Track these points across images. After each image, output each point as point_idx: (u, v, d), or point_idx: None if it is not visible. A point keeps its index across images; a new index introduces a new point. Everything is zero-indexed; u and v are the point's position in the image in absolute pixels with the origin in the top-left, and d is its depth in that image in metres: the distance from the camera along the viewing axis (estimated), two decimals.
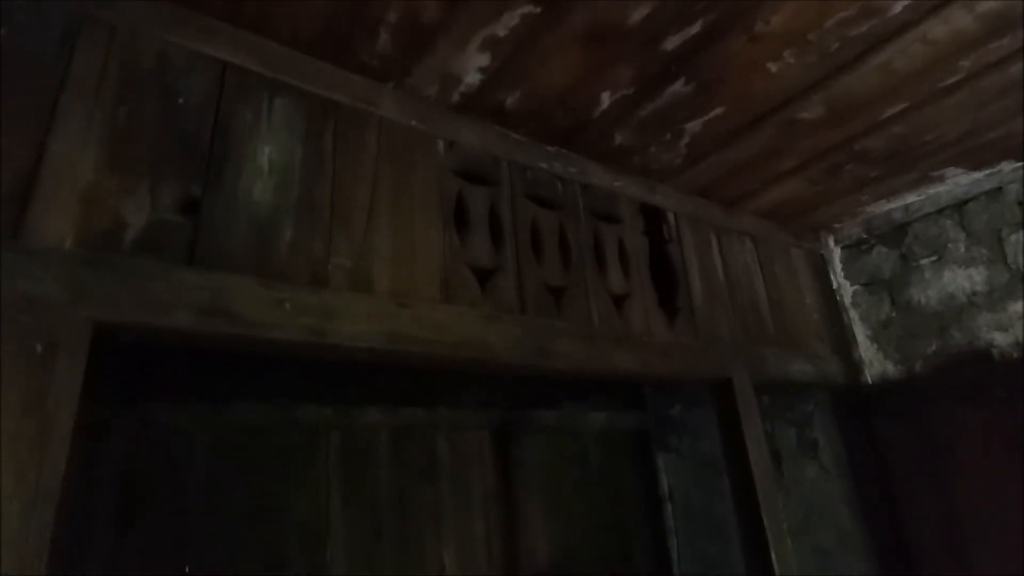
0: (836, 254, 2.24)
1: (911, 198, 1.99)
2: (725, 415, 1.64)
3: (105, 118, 0.87)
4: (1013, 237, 1.83)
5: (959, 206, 1.95)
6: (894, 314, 2.08)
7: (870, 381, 2.09)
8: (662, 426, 2.81)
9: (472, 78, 1.23)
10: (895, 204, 2.03)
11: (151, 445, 1.66)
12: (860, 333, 2.15)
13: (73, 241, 0.78)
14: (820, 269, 2.18)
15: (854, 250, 2.20)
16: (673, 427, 2.77)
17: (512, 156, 1.38)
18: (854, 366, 2.08)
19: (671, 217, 1.71)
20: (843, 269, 2.22)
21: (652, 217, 1.67)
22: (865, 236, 2.16)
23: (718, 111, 1.40)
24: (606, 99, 1.32)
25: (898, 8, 1.15)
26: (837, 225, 2.18)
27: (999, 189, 1.87)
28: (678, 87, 1.30)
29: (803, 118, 1.45)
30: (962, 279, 1.93)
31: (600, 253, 1.48)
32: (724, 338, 1.67)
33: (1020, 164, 1.80)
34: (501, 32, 1.11)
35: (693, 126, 1.45)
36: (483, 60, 1.18)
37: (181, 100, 0.95)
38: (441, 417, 2.27)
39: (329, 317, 0.95)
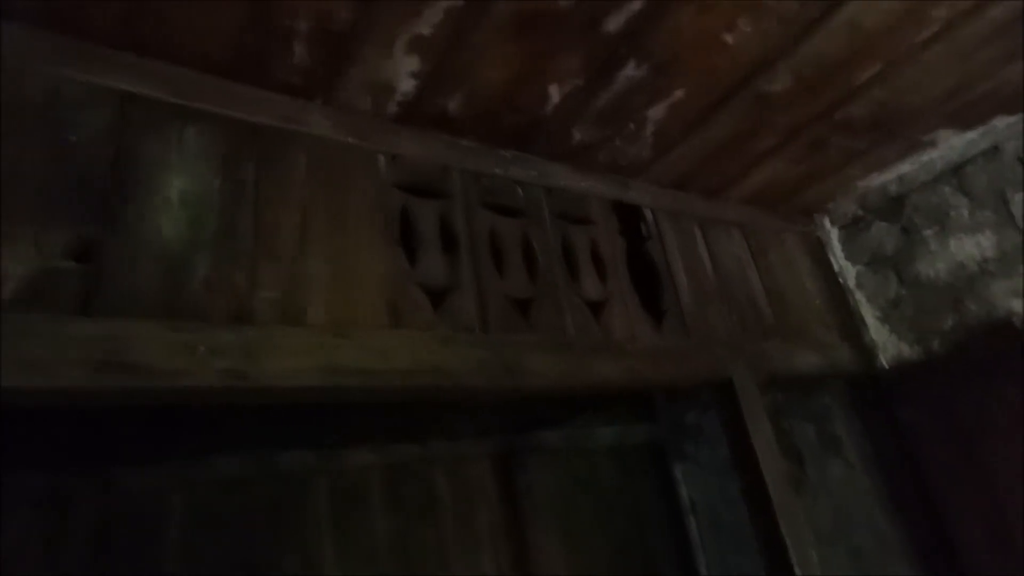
0: (834, 235, 2.11)
1: (904, 168, 1.88)
2: (729, 418, 1.52)
3: None
4: (1018, 196, 1.70)
5: (956, 170, 1.83)
6: (903, 292, 1.94)
7: (886, 366, 1.95)
8: (677, 436, 2.68)
9: (406, 85, 1.14)
10: (888, 176, 1.91)
11: (120, 511, 1.56)
12: (869, 316, 2.01)
13: None
14: (818, 252, 2.06)
15: (852, 229, 2.08)
16: (689, 435, 2.63)
17: (463, 164, 1.29)
18: (866, 351, 1.94)
19: (648, 214, 1.60)
20: (843, 250, 2.10)
21: (628, 216, 1.57)
22: (862, 213, 2.04)
23: (679, 94, 1.30)
24: (555, 93, 1.23)
25: None
26: (831, 204, 2.06)
27: (996, 148, 1.74)
28: (630, 71, 1.20)
29: (772, 91, 1.35)
30: (970, 247, 1.80)
31: (571, 259, 1.37)
32: (719, 336, 1.55)
33: (1015, 118, 1.68)
34: (426, 31, 1.03)
35: (655, 112, 1.35)
36: (413, 64, 1.10)
37: (73, 137, 0.87)
38: (437, 450, 2.15)
39: (252, 356, 0.85)
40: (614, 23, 1.09)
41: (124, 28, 0.93)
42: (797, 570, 1.37)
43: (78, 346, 0.74)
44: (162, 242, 0.88)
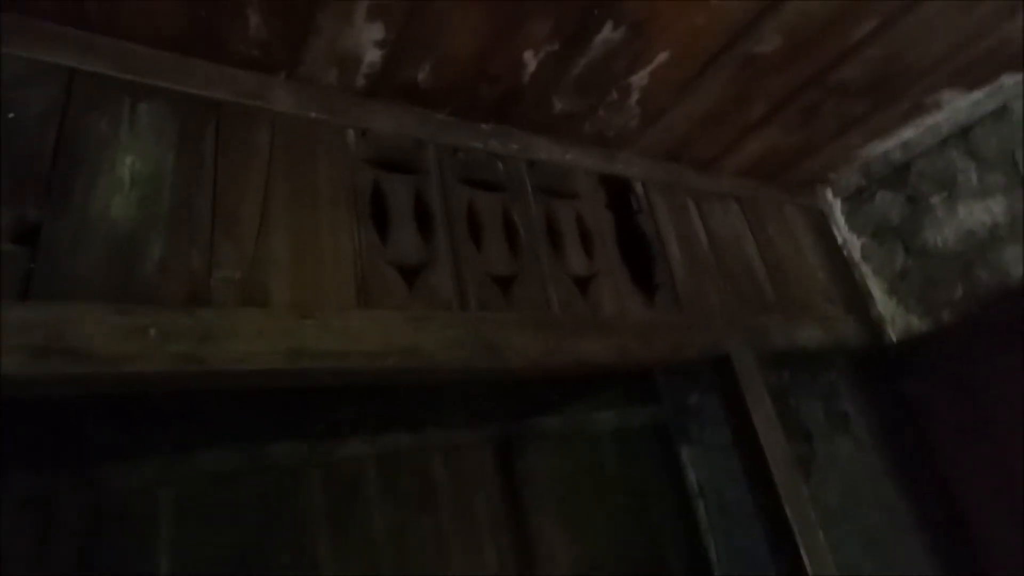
0: (837, 207, 2.04)
1: (908, 133, 1.80)
2: (728, 396, 1.46)
3: None
4: None
5: (963, 133, 1.75)
6: (910, 262, 1.87)
7: (894, 339, 1.88)
8: (681, 417, 2.63)
9: (372, 56, 1.09)
10: (891, 143, 1.84)
11: (108, 508, 1.53)
12: (875, 288, 1.94)
13: None
14: (821, 225, 1.99)
15: (855, 199, 2.00)
16: (693, 417, 2.58)
17: (439, 139, 1.24)
18: (873, 325, 1.88)
19: (639, 187, 1.55)
20: (846, 222, 2.03)
21: (616, 189, 1.51)
22: (865, 183, 1.97)
23: (662, 57, 1.24)
24: (531, 60, 1.18)
25: None
26: (832, 175, 1.98)
27: (1004, 107, 1.66)
28: (607, 34, 1.14)
29: (761, 52, 1.29)
30: (979, 212, 1.72)
31: (555, 233, 1.32)
32: (716, 311, 1.49)
33: (1023, 75, 1.60)
34: None
35: (639, 79, 1.29)
36: (377, 32, 1.05)
37: (12, 115, 0.83)
38: (433, 438, 2.12)
39: (208, 340, 0.81)
40: None
41: (68, 2, 0.88)
42: (803, 551, 1.32)
43: (16, 332, 0.70)
44: (111, 222, 0.84)
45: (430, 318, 1.02)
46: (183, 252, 0.87)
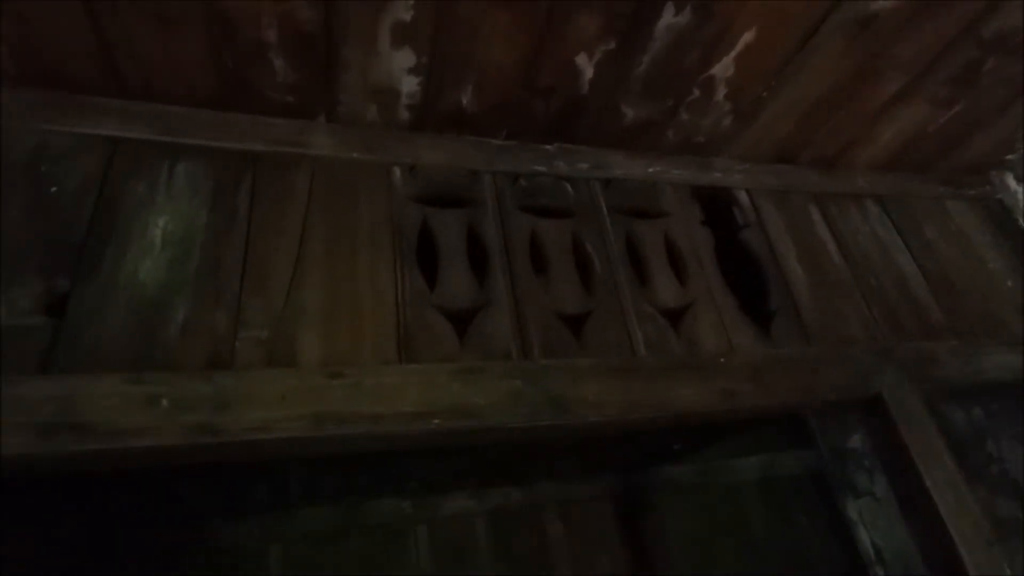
0: (1021, 194, 1.62)
1: None
2: (884, 447, 1.17)
3: None
4: None
5: None
6: None
7: None
8: (841, 463, 2.20)
9: (409, 85, 1.01)
10: None
11: (220, 566, 1.55)
12: None
13: None
14: (1002, 220, 1.58)
15: None
16: (858, 463, 2.15)
17: (496, 166, 1.13)
18: None
19: (743, 196, 1.31)
20: None
21: (714, 202, 1.29)
22: None
23: (747, 38, 1.03)
24: (585, 64, 1.03)
25: None
26: (1010, 156, 1.58)
27: None
28: (669, 19, 0.97)
29: (880, 9, 1.03)
30: None
31: (638, 260, 1.14)
32: (857, 340, 1.20)
33: None
34: (406, 15, 0.90)
35: (722, 69, 1.09)
36: (408, 59, 0.96)
37: (54, 189, 0.84)
38: (545, 493, 1.94)
39: (225, 408, 0.74)
40: None
41: (105, 74, 0.90)
42: None
43: (27, 409, 0.68)
44: (138, 287, 0.82)
45: (482, 370, 0.88)
46: (208, 313, 0.83)
